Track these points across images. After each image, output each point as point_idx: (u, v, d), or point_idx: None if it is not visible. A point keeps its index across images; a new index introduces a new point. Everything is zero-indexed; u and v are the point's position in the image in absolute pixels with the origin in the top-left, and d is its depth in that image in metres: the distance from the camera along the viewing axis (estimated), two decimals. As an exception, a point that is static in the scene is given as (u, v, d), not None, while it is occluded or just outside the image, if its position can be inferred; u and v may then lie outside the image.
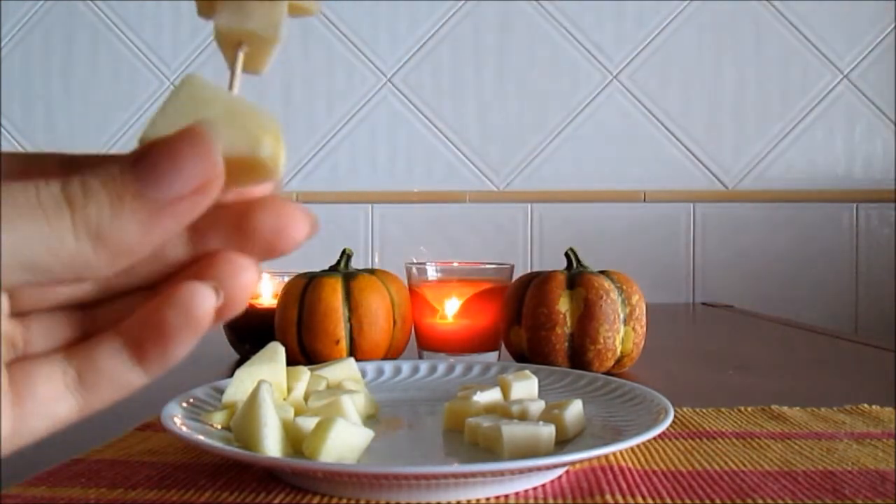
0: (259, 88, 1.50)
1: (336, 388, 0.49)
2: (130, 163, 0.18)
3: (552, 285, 0.66)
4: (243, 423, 0.38)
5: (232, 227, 0.21)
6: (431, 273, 0.74)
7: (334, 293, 0.67)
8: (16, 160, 0.21)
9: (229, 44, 0.25)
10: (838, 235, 1.47)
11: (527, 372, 0.51)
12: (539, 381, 0.50)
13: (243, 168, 0.21)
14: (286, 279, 0.72)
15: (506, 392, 0.48)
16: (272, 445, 0.37)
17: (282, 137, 0.22)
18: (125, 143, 1.52)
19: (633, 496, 0.35)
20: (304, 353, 0.67)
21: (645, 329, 0.68)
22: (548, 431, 0.39)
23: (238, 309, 0.21)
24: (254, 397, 0.38)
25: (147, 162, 0.18)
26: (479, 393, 0.47)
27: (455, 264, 0.79)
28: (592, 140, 1.48)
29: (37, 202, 0.18)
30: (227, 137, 0.20)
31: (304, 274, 0.70)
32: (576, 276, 0.67)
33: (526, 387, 0.49)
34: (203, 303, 0.20)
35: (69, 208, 0.18)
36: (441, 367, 0.60)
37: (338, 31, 1.50)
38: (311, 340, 0.66)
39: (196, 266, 0.21)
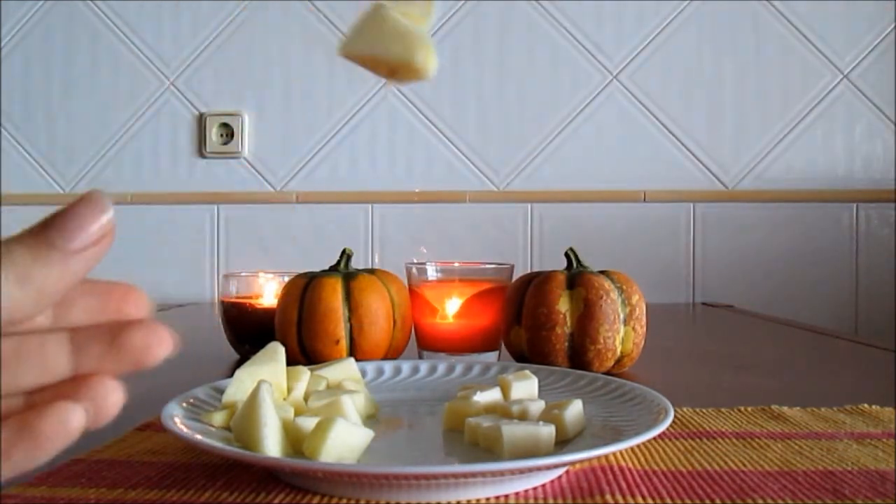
0: (260, 88, 1.50)
1: (336, 388, 0.49)
2: (42, 226, 0.23)
3: (552, 285, 0.66)
4: (243, 423, 0.38)
5: (107, 341, 0.25)
6: (431, 273, 0.74)
7: (334, 293, 0.67)
8: None
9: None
10: (838, 235, 1.47)
11: (527, 372, 0.51)
12: (539, 381, 0.50)
13: (407, 69, 0.32)
14: (286, 279, 0.72)
15: (506, 392, 0.48)
16: (272, 445, 0.37)
17: (433, 51, 0.33)
18: (125, 143, 1.52)
19: (633, 496, 0.35)
20: (304, 353, 0.67)
21: (645, 329, 0.68)
22: (548, 431, 0.39)
23: (102, 423, 0.25)
24: (254, 397, 0.38)
25: (55, 223, 0.23)
26: (479, 393, 0.47)
27: (455, 264, 0.79)
28: (592, 140, 1.48)
29: None
30: (395, 49, 0.32)
31: (305, 274, 0.70)
32: (576, 276, 0.67)
33: (526, 387, 0.49)
34: (75, 421, 0.23)
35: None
36: (441, 367, 0.60)
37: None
38: (311, 340, 0.66)
39: (73, 383, 0.24)
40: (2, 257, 0.22)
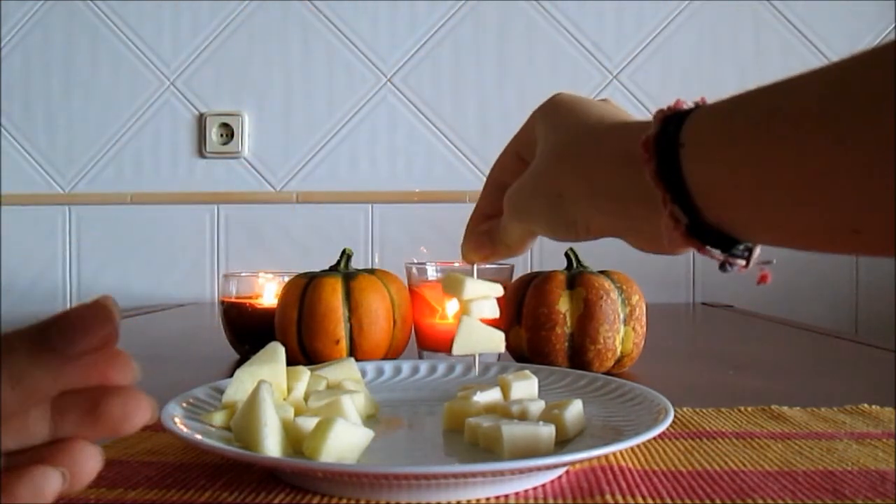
0: (259, 88, 1.51)
1: (336, 388, 0.49)
2: (44, 327, 0.24)
3: (552, 285, 0.66)
4: (243, 423, 0.38)
5: (87, 408, 0.25)
6: (431, 273, 0.74)
7: (334, 293, 0.67)
8: None
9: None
10: (838, 235, 1.47)
11: (527, 372, 0.51)
12: (539, 381, 0.50)
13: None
14: (286, 279, 0.72)
15: (506, 392, 0.48)
16: (272, 445, 0.37)
17: (503, 341, 0.49)
18: (125, 143, 1.52)
19: (633, 496, 0.35)
20: (304, 353, 0.67)
21: (645, 329, 0.68)
22: (548, 431, 0.39)
23: (80, 487, 0.25)
24: (254, 397, 0.38)
25: (59, 324, 0.24)
26: (479, 393, 0.47)
27: (455, 264, 0.79)
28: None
29: None
30: (484, 343, 0.48)
31: (305, 274, 0.70)
32: (576, 276, 0.67)
33: (526, 387, 0.49)
34: (52, 485, 0.24)
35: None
36: (441, 367, 0.60)
37: (338, 31, 1.50)
38: (311, 340, 0.66)
39: (52, 447, 0.25)
40: (1, 355, 0.23)
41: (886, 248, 0.23)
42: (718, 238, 0.28)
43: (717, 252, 0.28)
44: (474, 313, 0.48)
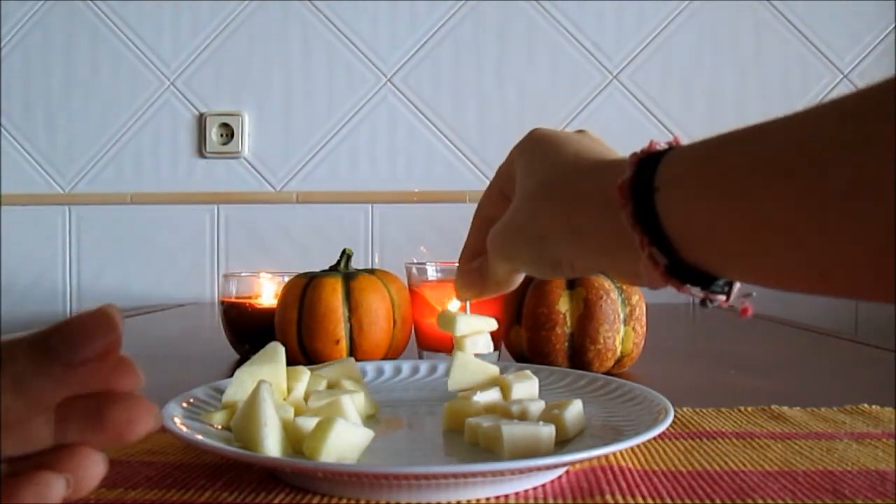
0: (259, 88, 1.50)
1: (336, 388, 0.49)
2: (48, 335, 0.24)
3: (552, 285, 0.66)
4: (243, 423, 0.38)
5: (90, 415, 0.25)
6: (431, 273, 0.74)
7: (334, 293, 0.67)
8: None
9: None
10: (838, 235, 1.47)
11: (527, 372, 0.51)
12: (539, 381, 0.51)
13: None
14: (286, 279, 0.72)
15: (506, 392, 0.48)
16: (272, 445, 0.37)
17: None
18: (125, 143, 1.52)
19: (633, 496, 0.35)
20: (304, 353, 0.67)
21: (645, 329, 0.68)
22: (548, 431, 0.39)
23: (84, 494, 0.25)
24: (254, 397, 0.38)
25: (62, 331, 0.24)
26: (479, 393, 0.47)
27: (455, 264, 0.79)
28: (592, 140, 1.47)
29: None
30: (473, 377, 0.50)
31: (304, 274, 0.70)
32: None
33: (526, 387, 0.49)
34: (55, 491, 0.24)
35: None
36: (441, 367, 0.60)
37: (338, 31, 1.50)
38: (311, 340, 0.66)
39: (55, 453, 0.25)
40: (3, 363, 0.23)
41: (853, 291, 0.24)
42: (698, 275, 0.29)
43: (696, 290, 0.29)
44: (468, 348, 0.49)
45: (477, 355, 0.50)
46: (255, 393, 0.38)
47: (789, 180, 0.23)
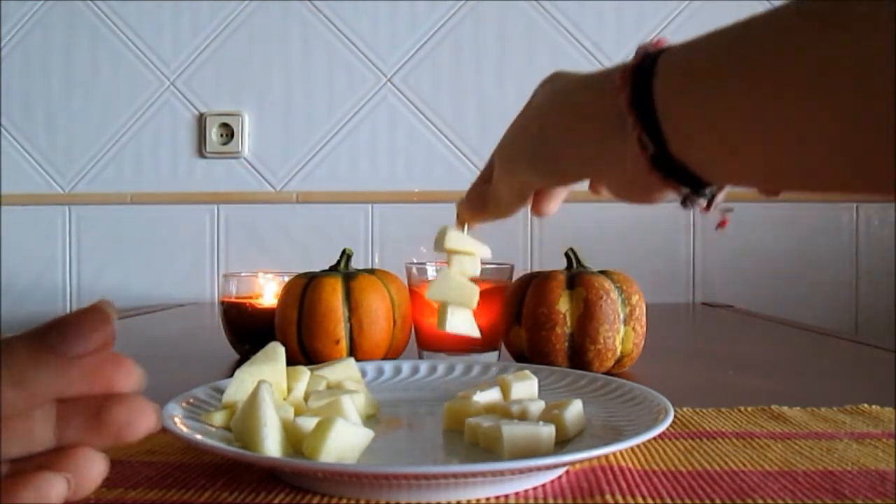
0: (259, 88, 1.51)
1: (336, 388, 0.49)
2: (44, 329, 0.24)
3: (552, 285, 0.66)
4: (243, 423, 0.38)
5: (91, 415, 0.25)
6: (431, 273, 0.74)
7: (334, 293, 0.67)
8: None
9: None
10: (838, 236, 1.47)
11: (527, 372, 0.51)
12: (539, 381, 0.51)
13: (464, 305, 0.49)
14: (286, 279, 0.72)
15: (506, 392, 0.48)
16: (272, 445, 0.37)
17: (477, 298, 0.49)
18: (125, 143, 1.52)
19: (633, 496, 0.35)
20: (304, 353, 0.67)
21: (645, 329, 0.68)
22: (548, 431, 0.39)
23: (84, 494, 0.25)
24: (254, 397, 0.38)
25: (58, 326, 0.24)
26: (479, 393, 0.47)
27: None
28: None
29: None
30: (458, 298, 0.49)
31: (305, 274, 0.70)
32: (576, 275, 0.67)
33: (526, 387, 0.49)
34: (56, 491, 0.24)
35: None
36: (441, 367, 0.60)
37: (338, 31, 1.50)
38: (311, 340, 0.66)
39: (56, 453, 0.25)
40: (2, 355, 0.23)
41: (842, 186, 0.24)
42: (684, 178, 0.30)
43: (680, 187, 0.30)
44: (454, 266, 0.49)
45: (457, 333, 0.49)
46: (255, 393, 0.38)
47: (776, 67, 0.23)
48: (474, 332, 0.49)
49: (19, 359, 0.24)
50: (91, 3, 1.52)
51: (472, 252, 0.50)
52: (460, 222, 0.49)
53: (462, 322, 0.49)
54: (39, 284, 1.52)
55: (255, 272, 0.80)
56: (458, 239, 0.49)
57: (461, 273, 0.49)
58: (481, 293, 0.72)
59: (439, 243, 0.49)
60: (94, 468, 0.25)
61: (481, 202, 0.45)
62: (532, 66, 1.49)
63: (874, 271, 1.46)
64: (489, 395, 0.47)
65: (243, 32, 1.51)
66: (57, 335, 0.24)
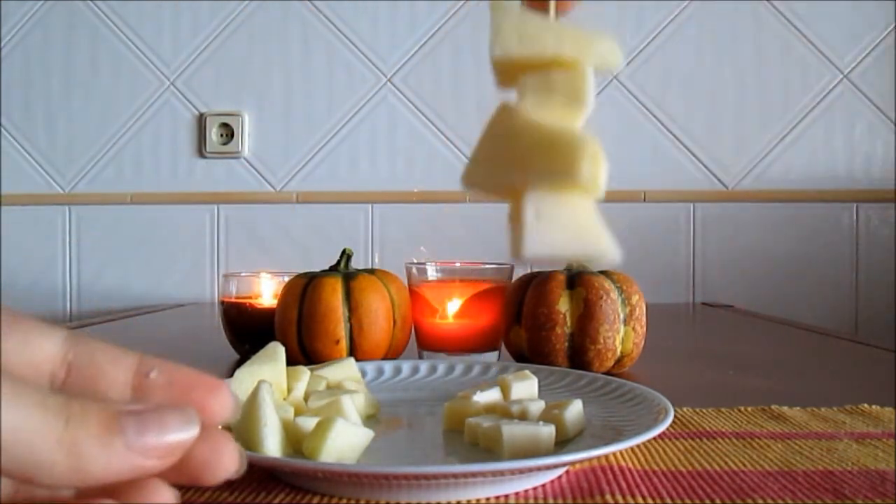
0: (259, 88, 1.51)
1: (336, 388, 0.49)
2: (128, 411, 0.21)
3: (552, 285, 0.66)
4: (243, 423, 0.38)
5: (171, 399, 0.23)
6: (431, 273, 0.74)
7: (334, 293, 0.67)
8: (17, 326, 0.24)
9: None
10: (838, 236, 1.47)
11: (527, 372, 0.51)
12: (539, 381, 0.50)
13: (564, 187, 0.21)
14: (286, 279, 0.72)
15: (506, 392, 0.48)
16: (272, 445, 0.37)
17: (602, 158, 0.22)
18: (125, 143, 1.52)
19: (633, 496, 0.35)
20: (304, 353, 0.67)
21: (645, 329, 0.68)
22: (548, 431, 0.39)
23: None
24: (254, 397, 0.38)
25: (140, 414, 0.22)
26: (479, 393, 0.47)
27: (455, 264, 0.79)
28: (592, 140, 1.47)
29: (42, 403, 0.20)
30: (543, 166, 0.21)
31: (304, 274, 0.70)
32: (576, 276, 0.67)
33: (526, 387, 0.49)
34: None
35: (65, 420, 0.20)
36: (441, 367, 0.60)
37: (338, 31, 1.50)
38: (311, 340, 0.66)
39: (129, 484, 0.23)
40: (73, 419, 0.21)
41: None
42: None
43: None
44: (531, 95, 0.27)
45: None
46: (255, 393, 0.38)
47: None
48: (601, 250, 0.26)
49: (87, 430, 0.21)
50: (91, 3, 1.52)
51: (570, 58, 0.26)
52: None
53: (564, 229, 0.24)
54: (39, 284, 1.52)
55: (255, 272, 0.80)
56: (530, 27, 0.26)
57: (545, 109, 0.25)
58: (481, 293, 0.72)
59: (494, 45, 0.26)
60: (161, 502, 0.23)
61: None
62: (532, 66, 1.49)
63: (874, 271, 1.46)
64: (489, 395, 0.47)
65: (243, 32, 1.51)
66: (134, 422, 0.21)
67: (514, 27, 0.25)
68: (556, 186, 0.22)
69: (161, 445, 0.22)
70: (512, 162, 0.23)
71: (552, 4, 0.27)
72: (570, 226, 0.24)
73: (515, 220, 0.23)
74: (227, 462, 0.23)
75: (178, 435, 0.22)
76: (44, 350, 0.24)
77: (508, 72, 0.26)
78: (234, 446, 0.24)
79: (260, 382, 0.39)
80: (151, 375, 0.24)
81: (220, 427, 0.24)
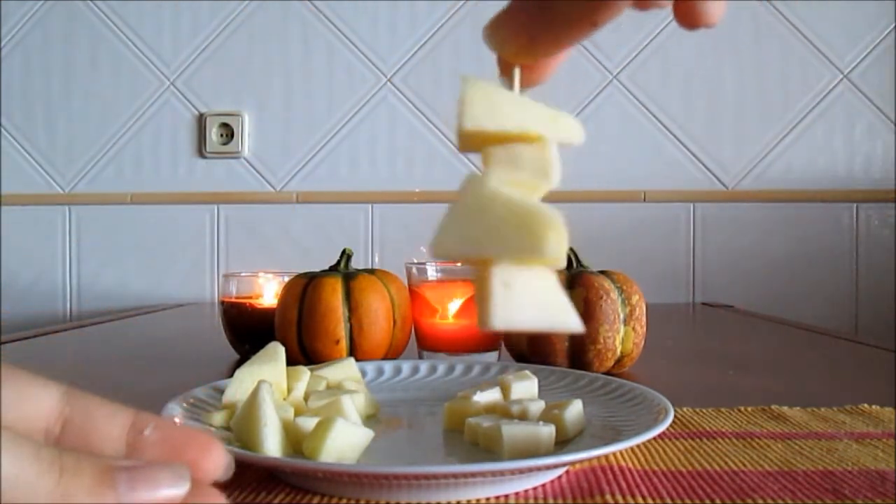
0: (259, 88, 1.51)
1: (336, 388, 0.49)
2: (120, 466, 0.22)
3: (552, 285, 0.66)
4: (243, 423, 0.38)
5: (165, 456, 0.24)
6: (431, 273, 0.74)
7: (334, 293, 0.67)
8: (14, 381, 0.24)
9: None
10: (838, 236, 1.47)
11: (527, 372, 0.51)
12: (539, 381, 0.50)
13: (530, 260, 0.22)
14: (286, 279, 0.72)
15: (506, 392, 0.48)
16: (272, 445, 0.37)
17: (565, 233, 0.23)
18: (125, 143, 1.52)
19: (633, 496, 0.35)
20: (304, 353, 0.67)
21: (645, 329, 0.68)
22: (548, 431, 0.39)
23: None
24: (254, 397, 0.38)
25: (133, 471, 0.22)
26: (479, 393, 0.47)
27: (456, 264, 0.79)
28: (592, 140, 1.47)
29: (37, 455, 0.21)
30: (511, 240, 0.22)
31: (305, 274, 0.70)
32: (576, 276, 0.67)
33: (526, 387, 0.49)
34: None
35: (59, 472, 0.21)
36: (441, 367, 0.60)
37: (338, 30, 1.50)
38: (311, 340, 0.66)
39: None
40: (67, 472, 0.21)
41: None
42: None
43: None
44: (495, 169, 0.27)
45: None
46: (255, 393, 0.38)
47: None
48: (565, 321, 0.25)
49: (81, 484, 0.21)
50: (91, 2, 1.52)
51: (535, 133, 0.27)
52: (504, 68, 0.29)
53: (530, 300, 0.24)
54: (39, 284, 1.52)
55: (255, 272, 0.80)
56: (499, 101, 0.26)
57: (512, 182, 0.26)
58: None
59: (463, 117, 0.26)
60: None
61: (539, 13, 0.27)
62: (532, 66, 1.49)
63: (874, 271, 1.46)
64: (489, 395, 0.47)
65: (243, 32, 1.51)
66: (126, 479, 0.22)
67: (484, 100, 0.26)
68: (523, 259, 0.24)
69: (152, 501, 0.22)
70: (480, 234, 0.24)
71: (516, 82, 0.29)
72: (536, 297, 0.25)
73: (483, 290, 0.24)
74: (213, 462, 0.24)
75: (169, 491, 0.22)
76: (40, 404, 0.24)
77: (474, 141, 0.26)
78: (219, 448, 0.25)
79: (260, 382, 0.39)
80: (146, 432, 0.25)
81: (210, 485, 0.24)
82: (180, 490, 0.23)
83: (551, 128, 0.27)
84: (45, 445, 0.21)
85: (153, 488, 0.22)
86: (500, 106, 0.26)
